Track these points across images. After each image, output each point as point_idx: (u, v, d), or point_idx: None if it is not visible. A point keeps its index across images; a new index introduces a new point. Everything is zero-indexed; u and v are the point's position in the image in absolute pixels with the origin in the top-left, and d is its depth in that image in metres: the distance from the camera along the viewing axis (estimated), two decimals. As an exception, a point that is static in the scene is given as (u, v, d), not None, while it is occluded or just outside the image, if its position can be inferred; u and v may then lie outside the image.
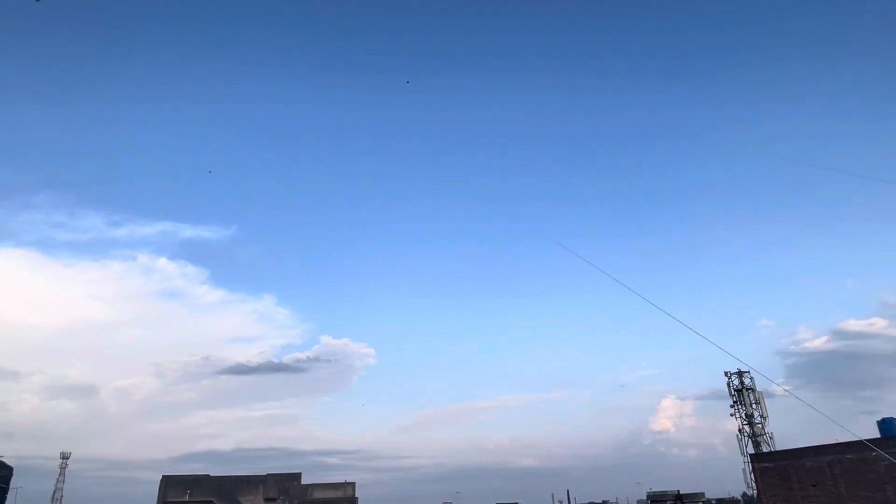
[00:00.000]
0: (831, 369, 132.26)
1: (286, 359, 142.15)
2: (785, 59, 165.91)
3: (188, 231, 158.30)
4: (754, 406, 47.78)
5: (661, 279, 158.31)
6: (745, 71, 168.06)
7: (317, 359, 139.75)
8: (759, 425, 47.05)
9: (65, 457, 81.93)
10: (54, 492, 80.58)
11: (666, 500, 58.11)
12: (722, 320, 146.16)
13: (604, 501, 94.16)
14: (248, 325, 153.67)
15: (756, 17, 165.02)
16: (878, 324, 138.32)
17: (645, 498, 71.57)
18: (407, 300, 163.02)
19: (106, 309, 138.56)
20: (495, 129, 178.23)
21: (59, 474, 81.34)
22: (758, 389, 48.58)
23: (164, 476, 52.20)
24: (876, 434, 31.87)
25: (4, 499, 44.59)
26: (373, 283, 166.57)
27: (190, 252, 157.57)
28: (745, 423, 47.50)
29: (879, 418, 33.22)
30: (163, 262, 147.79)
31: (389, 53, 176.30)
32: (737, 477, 46.51)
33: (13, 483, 47.99)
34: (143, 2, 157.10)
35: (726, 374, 49.04)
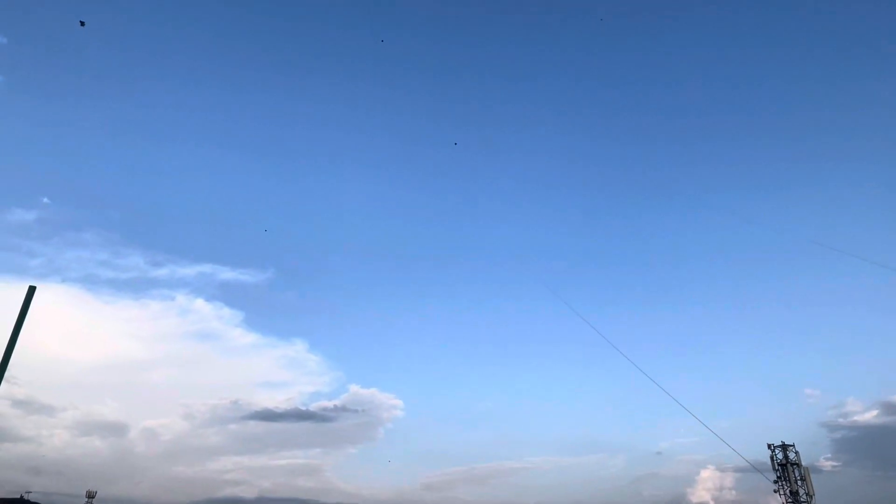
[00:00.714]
0: (883, 446, 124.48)
1: (314, 406, 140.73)
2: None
3: (227, 273, 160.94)
4: (799, 483, 45.17)
5: (700, 343, 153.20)
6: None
7: (344, 408, 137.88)
8: (805, 503, 44.35)
9: (90, 495, 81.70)
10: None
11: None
12: (765, 387, 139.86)
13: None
14: (278, 370, 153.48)
15: (787, 83, 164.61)
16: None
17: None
18: (436, 353, 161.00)
19: (141, 347, 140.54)
20: (526, 187, 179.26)
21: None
22: (803, 464, 46.03)
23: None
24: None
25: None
26: (403, 332, 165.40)
27: (227, 294, 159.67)
28: (789, 500, 44.84)
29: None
30: (200, 303, 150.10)
31: (432, 116, 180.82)
32: (781, 560, 43.62)
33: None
34: (189, 44, 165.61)
35: (769, 446, 46.67)
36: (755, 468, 44.52)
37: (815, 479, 45.63)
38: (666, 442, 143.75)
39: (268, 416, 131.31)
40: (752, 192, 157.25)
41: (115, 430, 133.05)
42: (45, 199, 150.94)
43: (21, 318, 9.30)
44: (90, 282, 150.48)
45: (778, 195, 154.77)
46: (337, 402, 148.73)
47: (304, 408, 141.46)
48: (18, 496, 69.53)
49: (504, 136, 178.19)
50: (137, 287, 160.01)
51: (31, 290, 9.68)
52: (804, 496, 44.64)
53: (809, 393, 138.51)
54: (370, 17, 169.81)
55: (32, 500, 71.93)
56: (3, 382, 11.39)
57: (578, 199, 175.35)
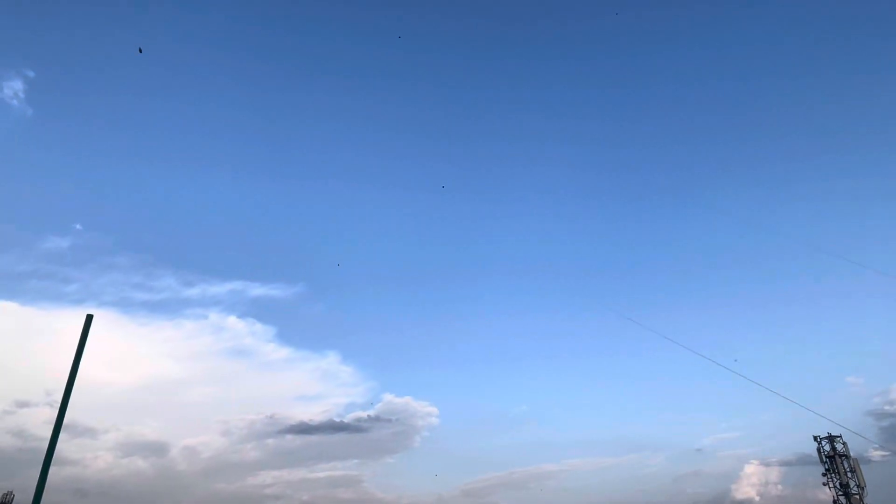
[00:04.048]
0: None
1: (349, 417, 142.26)
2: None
3: (257, 289, 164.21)
4: (849, 474, 44.06)
5: (732, 334, 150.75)
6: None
7: (379, 418, 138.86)
8: (857, 496, 43.22)
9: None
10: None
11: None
12: (803, 378, 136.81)
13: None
14: (312, 383, 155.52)
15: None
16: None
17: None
18: (468, 359, 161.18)
19: (178, 367, 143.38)
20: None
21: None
22: (852, 455, 44.93)
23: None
24: None
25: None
26: (434, 340, 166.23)
27: (258, 310, 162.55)
28: (840, 493, 43.76)
29: None
30: (232, 320, 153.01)
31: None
32: (835, 554, 42.57)
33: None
34: (212, 65, 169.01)
35: (816, 438, 45.67)
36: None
37: (864, 469, 44.57)
38: (707, 438, 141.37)
39: (304, 429, 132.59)
40: (762, 191, 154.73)
41: (157, 449, 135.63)
42: (78, 226, 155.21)
43: (81, 345, 9.63)
44: (125, 305, 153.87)
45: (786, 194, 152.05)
46: (371, 412, 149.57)
47: (339, 419, 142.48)
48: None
49: (515, 146, 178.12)
50: (171, 307, 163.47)
51: (89, 318, 10.03)
52: (855, 488, 43.53)
53: (852, 381, 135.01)
54: (381, 26, 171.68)
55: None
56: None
57: (591, 204, 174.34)
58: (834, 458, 44.73)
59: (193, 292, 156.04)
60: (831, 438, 45.21)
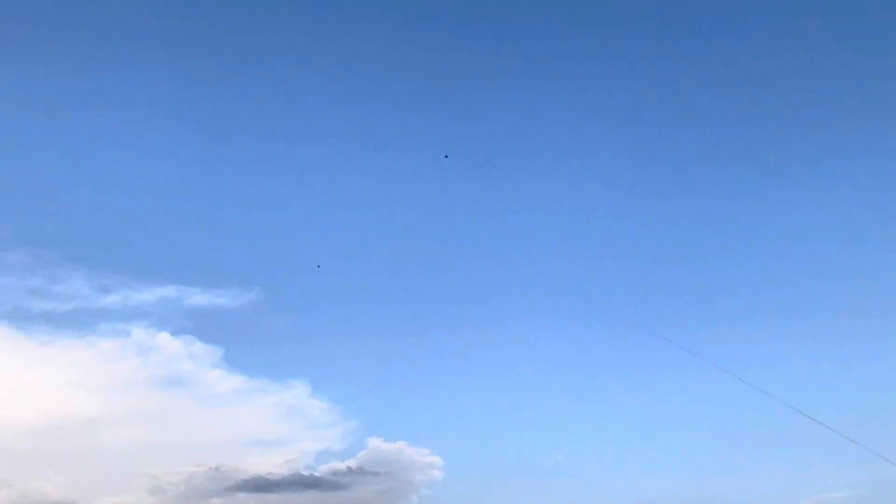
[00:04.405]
0: None
1: (322, 469, 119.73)
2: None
3: (197, 297, 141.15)
4: None
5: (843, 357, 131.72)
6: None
7: (362, 470, 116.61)
8: None
9: None
10: None
11: None
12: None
13: None
14: (273, 422, 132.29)
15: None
16: None
17: None
18: (483, 393, 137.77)
19: (90, 401, 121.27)
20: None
21: None
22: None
23: None
24: None
25: None
26: (436, 367, 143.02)
27: (199, 325, 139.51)
28: None
29: None
30: (164, 338, 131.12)
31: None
32: None
33: None
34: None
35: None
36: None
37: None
38: (808, 500, 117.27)
39: (261, 485, 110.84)
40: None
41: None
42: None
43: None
44: (19, 317, 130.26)
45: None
46: (352, 462, 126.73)
47: (308, 472, 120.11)
48: None
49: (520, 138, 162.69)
50: (81, 321, 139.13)
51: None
52: None
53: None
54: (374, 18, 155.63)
55: None
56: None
57: (607, 205, 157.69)
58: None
59: (112, 300, 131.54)
60: None
